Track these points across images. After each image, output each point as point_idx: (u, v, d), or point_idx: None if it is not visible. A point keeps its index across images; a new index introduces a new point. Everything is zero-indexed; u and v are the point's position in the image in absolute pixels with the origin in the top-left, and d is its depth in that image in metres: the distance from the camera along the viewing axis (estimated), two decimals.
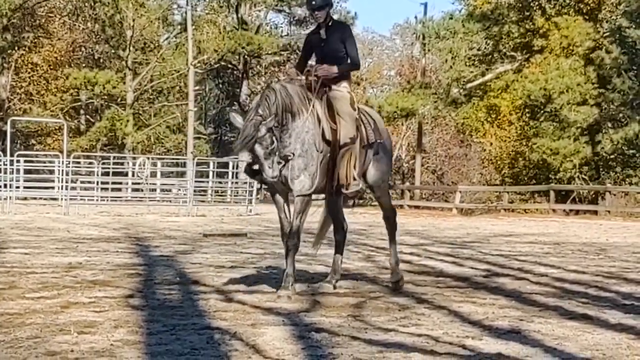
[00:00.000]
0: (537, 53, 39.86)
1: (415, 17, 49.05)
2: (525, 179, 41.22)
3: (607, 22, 40.09)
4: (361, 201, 9.52)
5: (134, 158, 34.34)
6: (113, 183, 31.40)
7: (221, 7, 50.81)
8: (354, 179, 8.27)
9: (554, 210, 34.12)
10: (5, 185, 25.19)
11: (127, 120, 47.27)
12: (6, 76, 46.68)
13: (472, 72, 42.54)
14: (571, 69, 37.44)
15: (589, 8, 39.45)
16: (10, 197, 24.68)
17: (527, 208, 36.51)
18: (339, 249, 8.95)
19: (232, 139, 56.05)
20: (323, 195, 8.72)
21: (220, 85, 56.94)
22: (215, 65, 50.72)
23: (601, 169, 39.56)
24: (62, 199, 25.87)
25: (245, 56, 47.81)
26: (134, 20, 47.66)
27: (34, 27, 48.39)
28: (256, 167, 7.95)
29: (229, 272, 9.98)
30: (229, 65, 50.99)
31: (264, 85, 53.24)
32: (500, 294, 8.49)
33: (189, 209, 26.18)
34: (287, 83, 8.15)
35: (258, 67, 52.04)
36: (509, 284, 9.46)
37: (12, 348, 5.42)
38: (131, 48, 48.11)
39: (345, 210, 9.23)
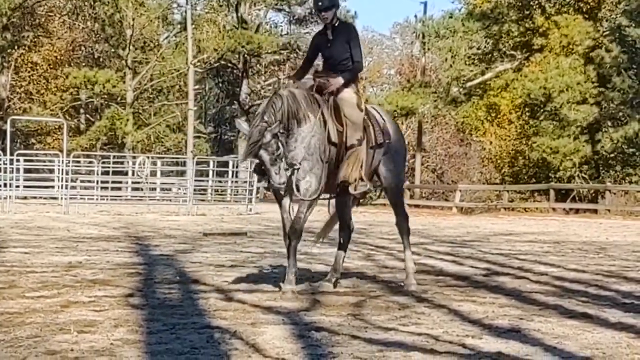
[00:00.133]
0: (537, 52, 39.87)
1: (415, 16, 49.08)
2: (525, 177, 41.24)
3: (606, 20, 40.10)
4: (362, 200, 9.45)
5: (134, 157, 34.37)
6: (113, 182, 31.39)
7: (221, 6, 50.80)
8: (362, 180, 8.29)
9: (553, 209, 34.12)
10: (5, 185, 25.19)
11: (127, 120, 47.27)
12: (6, 75, 46.69)
13: (472, 71, 42.56)
14: (571, 68, 37.45)
15: (588, 7, 39.46)
16: (10, 196, 24.68)
17: (527, 207, 36.51)
18: (342, 248, 8.96)
19: (231, 138, 56.12)
20: (328, 195, 8.74)
21: (220, 84, 56.94)
22: (215, 64, 50.71)
23: (601, 168, 39.57)
24: (62, 198, 25.87)
25: (245, 55, 47.80)
26: (133, 19, 47.66)
27: (33, 26, 48.38)
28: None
29: (229, 271, 9.98)
30: (229, 64, 50.98)
31: (264, 84, 53.34)
32: (500, 293, 8.49)
33: (188, 208, 26.18)
34: (295, 89, 8.17)
35: (258, 66, 52.04)
36: (509, 282, 9.46)
37: (12, 347, 5.42)
38: (131, 47, 48.11)
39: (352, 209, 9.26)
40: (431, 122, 54.98)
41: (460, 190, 38.55)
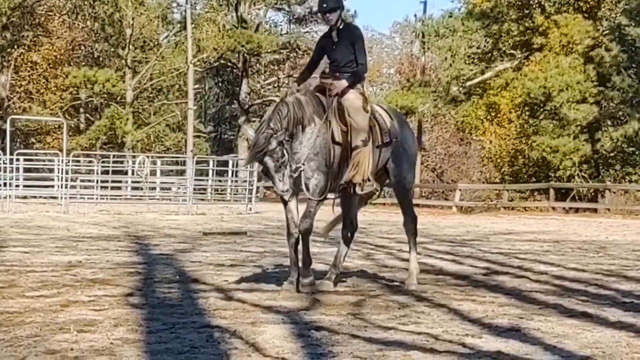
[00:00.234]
0: (537, 51, 39.87)
1: (415, 15, 49.12)
2: (525, 177, 41.23)
3: (606, 20, 40.12)
4: (369, 200, 9.48)
5: (134, 156, 34.35)
6: (113, 181, 31.39)
7: (221, 5, 50.79)
8: (368, 180, 8.31)
9: (553, 208, 34.12)
10: (5, 184, 25.20)
11: (127, 119, 47.26)
12: (6, 75, 46.67)
13: (471, 70, 42.57)
14: (571, 67, 37.45)
15: (588, 6, 39.47)
16: (10, 196, 24.68)
17: (527, 206, 36.52)
18: (344, 245, 8.98)
19: (231, 137, 56.13)
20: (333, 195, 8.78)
21: (220, 84, 56.94)
22: (215, 64, 50.71)
23: (601, 167, 39.58)
24: (61, 197, 25.86)
25: (245, 54, 47.79)
26: (133, 18, 47.65)
27: (33, 25, 48.36)
28: None
29: (229, 271, 9.98)
30: (229, 64, 50.98)
31: (263, 83, 53.33)
32: (500, 292, 8.49)
33: (188, 208, 26.18)
34: (300, 95, 8.20)
35: (257, 65, 52.04)
36: (509, 282, 9.46)
37: (12, 347, 5.42)
38: (131, 46, 48.10)
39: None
40: (431, 121, 54.98)
41: (460, 190, 38.55)
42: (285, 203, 8.26)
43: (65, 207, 24.51)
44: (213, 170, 32.63)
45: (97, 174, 28.64)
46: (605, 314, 7.14)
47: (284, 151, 7.77)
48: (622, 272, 10.75)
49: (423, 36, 45.28)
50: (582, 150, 37.62)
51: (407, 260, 10.71)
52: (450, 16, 42.37)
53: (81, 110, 51.84)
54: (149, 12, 49.90)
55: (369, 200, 9.57)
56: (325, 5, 8.48)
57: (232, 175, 33.40)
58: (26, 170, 30.63)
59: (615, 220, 28.17)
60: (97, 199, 28.61)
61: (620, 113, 38.06)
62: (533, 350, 5.63)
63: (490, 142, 45.50)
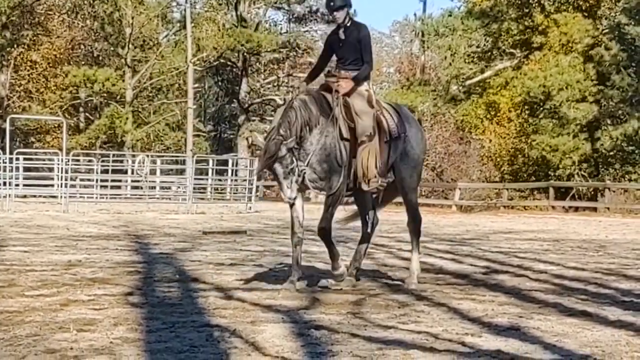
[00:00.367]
0: (537, 50, 39.86)
1: (415, 15, 49.18)
2: (525, 175, 41.20)
3: (606, 19, 40.10)
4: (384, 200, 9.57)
5: (134, 156, 34.33)
6: (112, 181, 31.40)
7: (220, 4, 50.79)
8: (375, 176, 8.32)
9: (553, 207, 34.11)
10: (4, 183, 25.19)
11: (127, 118, 47.25)
12: (5, 74, 46.66)
13: (471, 69, 42.57)
14: (570, 66, 37.45)
15: (588, 5, 39.46)
16: (9, 195, 24.68)
17: (527, 205, 36.51)
18: (363, 241, 9.08)
19: (231, 136, 56.10)
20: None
21: (220, 83, 56.93)
22: (215, 63, 50.70)
23: (600, 166, 39.56)
24: (61, 196, 25.86)
25: (245, 53, 47.78)
26: (133, 17, 47.63)
27: (33, 24, 48.34)
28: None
29: (229, 270, 9.98)
30: (228, 63, 50.97)
31: (263, 82, 53.29)
32: (500, 291, 8.49)
33: (188, 207, 26.18)
34: (306, 95, 8.23)
35: (257, 64, 52.02)
36: (509, 280, 9.46)
37: (12, 346, 5.42)
38: (130, 46, 48.09)
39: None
40: (430, 121, 54.89)
41: (459, 189, 38.54)
42: (292, 203, 8.30)
43: (65, 206, 24.51)
44: (213, 169, 32.63)
45: (97, 173, 28.63)
46: (604, 313, 7.14)
47: (293, 158, 7.84)
48: (622, 270, 10.75)
49: (423, 35, 45.28)
50: (581, 149, 37.62)
51: (407, 259, 10.74)
52: (450, 15, 42.37)
53: (81, 109, 51.82)
54: (148, 11, 49.90)
55: (391, 200, 9.56)
56: (333, 3, 8.52)
57: (232, 175, 33.40)
58: (26, 169, 30.62)
59: (615, 219, 28.18)
60: (96, 198, 28.61)
61: (620, 112, 38.04)
62: (533, 349, 5.63)
63: (490, 141, 45.46)
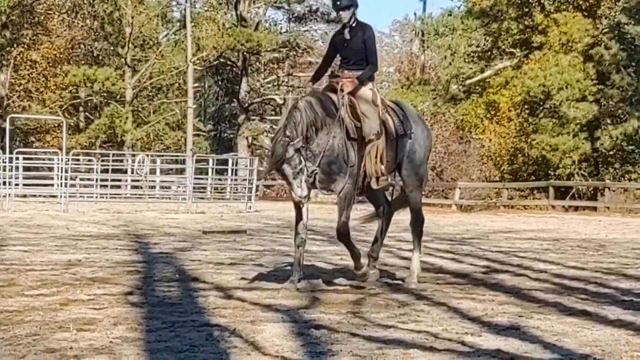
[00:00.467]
0: (536, 49, 39.87)
1: (415, 14, 49.21)
2: (525, 175, 41.20)
3: (606, 18, 40.10)
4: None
5: (133, 155, 34.32)
6: (112, 180, 31.39)
7: (220, 4, 50.79)
8: (382, 174, 8.35)
9: (553, 207, 34.11)
10: (4, 183, 25.18)
11: (126, 118, 47.26)
12: (5, 73, 46.65)
13: (471, 68, 42.58)
14: (570, 65, 37.45)
15: (587, 4, 39.46)
16: (9, 195, 24.68)
17: (527, 204, 36.49)
18: (381, 236, 9.17)
19: (231, 135, 56.10)
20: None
21: (220, 82, 56.92)
22: (215, 62, 50.69)
23: (600, 165, 39.56)
24: (61, 196, 25.85)
25: (245, 53, 47.78)
26: (133, 17, 47.63)
27: (32, 24, 48.33)
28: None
29: (229, 269, 9.98)
30: (228, 62, 50.96)
31: (263, 82, 53.28)
32: (500, 290, 8.49)
33: (188, 206, 26.18)
34: (311, 96, 8.26)
35: (257, 64, 52.02)
36: (508, 280, 9.46)
37: (11, 345, 5.42)
38: (130, 45, 48.08)
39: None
40: (430, 120, 54.86)
41: (459, 188, 38.55)
42: (297, 204, 8.31)
43: (65, 205, 24.51)
44: (213, 168, 32.62)
45: (97, 172, 28.63)
46: (604, 312, 7.14)
47: (301, 158, 7.85)
48: (622, 270, 10.75)
49: (423, 34, 45.32)
50: (581, 148, 37.62)
51: (407, 259, 10.75)
52: (450, 14, 42.41)
53: (81, 109, 51.82)
54: (148, 11, 49.91)
55: (405, 206, 9.51)
56: (339, 2, 8.53)
57: (232, 174, 33.40)
58: (26, 169, 30.61)
59: (615, 219, 28.17)
60: (96, 197, 28.61)
61: (620, 111, 38.03)
62: (532, 348, 5.63)
63: (490, 140, 45.46)
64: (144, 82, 50.09)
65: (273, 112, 56.12)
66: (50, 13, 49.37)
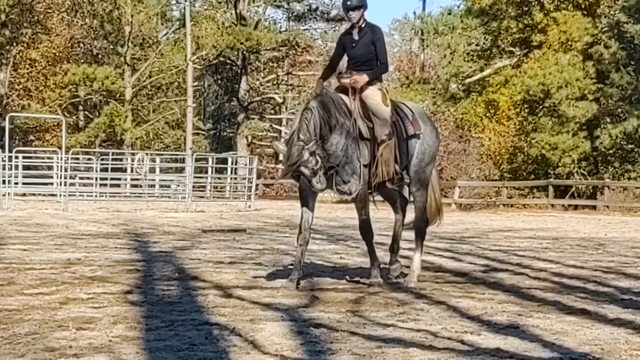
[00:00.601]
0: (536, 48, 39.87)
1: (414, 13, 49.18)
2: (524, 174, 41.20)
3: (605, 17, 40.11)
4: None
5: (133, 154, 34.31)
6: (112, 179, 31.39)
7: (220, 2, 50.78)
8: (397, 173, 8.41)
9: (552, 205, 34.11)
10: (3, 182, 25.17)
11: (126, 116, 47.26)
12: (4, 72, 46.64)
13: (470, 67, 42.57)
14: (570, 64, 37.45)
15: (587, 3, 39.46)
16: (8, 193, 24.66)
17: (526, 203, 36.50)
18: (398, 229, 9.27)
19: (230, 134, 56.09)
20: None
21: (219, 81, 56.91)
22: (214, 61, 50.69)
23: (600, 164, 39.57)
24: (60, 195, 25.84)
25: (244, 52, 47.78)
26: (132, 16, 47.62)
27: (32, 23, 48.33)
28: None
29: (228, 268, 9.98)
30: (228, 61, 50.97)
31: (263, 81, 53.25)
32: (499, 289, 8.50)
33: (187, 205, 26.17)
34: (323, 97, 8.27)
35: (257, 62, 52.02)
36: (508, 279, 9.46)
37: (11, 344, 5.42)
38: (130, 44, 48.08)
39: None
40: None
41: (459, 187, 38.54)
42: (304, 202, 8.33)
43: (64, 204, 24.50)
44: (212, 167, 32.62)
45: (96, 171, 28.62)
46: (604, 311, 7.14)
47: (317, 158, 7.88)
48: (621, 269, 10.75)
49: (422, 33, 45.32)
50: (581, 147, 37.62)
51: (406, 257, 10.74)
52: (449, 13, 42.43)
53: (80, 107, 51.82)
54: (147, 10, 49.90)
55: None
56: (349, 2, 8.55)
57: (231, 173, 33.39)
58: (25, 167, 30.59)
59: (614, 217, 28.18)
60: (96, 196, 28.60)
61: (619, 110, 38.03)
62: (532, 347, 5.63)
63: (490, 139, 45.47)
64: (144, 81, 50.09)
65: (272, 111, 56.16)
66: (50, 12, 49.36)
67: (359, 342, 5.67)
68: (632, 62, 36.82)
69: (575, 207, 34.60)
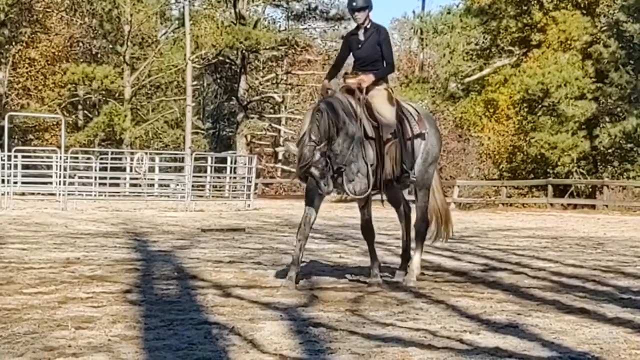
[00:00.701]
0: (535, 47, 39.87)
1: (413, 12, 49.15)
2: (523, 173, 41.20)
3: (604, 16, 40.10)
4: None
5: (132, 153, 34.32)
6: (111, 178, 31.38)
7: (219, 1, 50.77)
8: (403, 172, 8.44)
9: (551, 205, 34.12)
10: (3, 181, 25.16)
11: (125, 116, 47.26)
12: (4, 71, 46.63)
13: (470, 66, 42.54)
14: (569, 63, 37.45)
15: (586, 2, 39.45)
16: (8, 193, 24.65)
17: (525, 202, 36.51)
18: (406, 236, 9.30)
19: (230, 134, 56.08)
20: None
21: (218, 80, 56.92)
22: (213, 60, 50.69)
23: (599, 163, 39.57)
24: (60, 194, 25.84)
25: (243, 51, 47.77)
26: (131, 15, 47.61)
27: (31, 22, 48.32)
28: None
29: (227, 267, 9.98)
30: (227, 60, 50.97)
31: (262, 80, 53.24)
32: (498, 288, 8.50)
33: (187, 204, 26.17)
34: (331, 98, 8.33)
35: (256, 62, 52.03)
36: (507, 278, 9.46)
37: (10, 343, 5.42)
38: (129, 43, 48.07)
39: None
40: None
41: (458, 186, 38.54)
42: (310, 202, 8.35)
43: (64, 203, 24.49)
44: (211, 166, 32.63)
45: (95, 170, 28.62)
46: (603, 310, 7.15)
47: (327, 159, 7.96)
48: (620, 268, 10.75)
49: (421, 33, 45.29)
50: (580, 146, 37.62)
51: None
52: (449, 13, 42.36)
53: (79, 106, 51.82)
54: (147, 9, 49.89)
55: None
56: (355, 3, 8.58)
57: (231, 172, 33.40)
58: (24, 167, 30.59)
59: (613, 217, 28.18)
60: (95, 195, 28.60)
61: (619, 109, 38.04)
62: (531, 346, 5.63)
63: (489, 138, 45.48)
64: (143, 80, 50.08)
65: (272, 110, 56.15)
66: (49, 11, 49.35)
67: (358, 341, 5.67)
68: (631, 61, 36.82)
69: (575, 206, 34.61)
